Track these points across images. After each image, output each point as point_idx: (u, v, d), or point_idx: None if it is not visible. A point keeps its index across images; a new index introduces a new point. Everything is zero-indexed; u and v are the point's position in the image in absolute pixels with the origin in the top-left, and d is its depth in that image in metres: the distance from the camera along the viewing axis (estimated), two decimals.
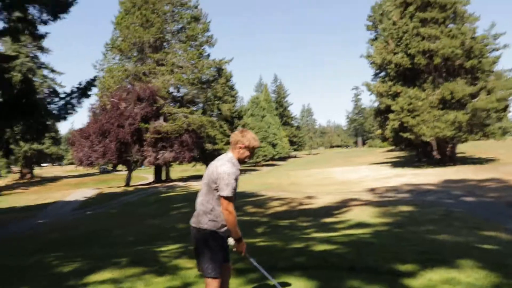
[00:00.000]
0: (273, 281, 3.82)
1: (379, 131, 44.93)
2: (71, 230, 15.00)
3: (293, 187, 25.53)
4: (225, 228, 3.49)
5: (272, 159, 78.52)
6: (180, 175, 57.98)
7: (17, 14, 15.17)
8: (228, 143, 51.37)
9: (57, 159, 72.04)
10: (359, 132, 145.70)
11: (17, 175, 66.84)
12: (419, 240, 7.68)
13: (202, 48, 45.14)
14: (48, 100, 18.10)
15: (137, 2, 41.86)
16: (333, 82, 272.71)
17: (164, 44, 44.75)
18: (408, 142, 38.89)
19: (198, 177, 47.55)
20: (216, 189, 3.42)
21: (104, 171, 73.80)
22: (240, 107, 71.69)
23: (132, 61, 44.29)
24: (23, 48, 56.06)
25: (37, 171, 74.68)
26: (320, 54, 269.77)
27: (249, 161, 3.55)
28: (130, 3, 42.57)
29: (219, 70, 48.87)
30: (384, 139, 46.13)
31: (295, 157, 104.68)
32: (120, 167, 56.09)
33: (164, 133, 38.97)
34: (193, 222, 3.59)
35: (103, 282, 5.23)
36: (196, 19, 44.89)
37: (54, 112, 17.48)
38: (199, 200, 3.59)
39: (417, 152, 47.69)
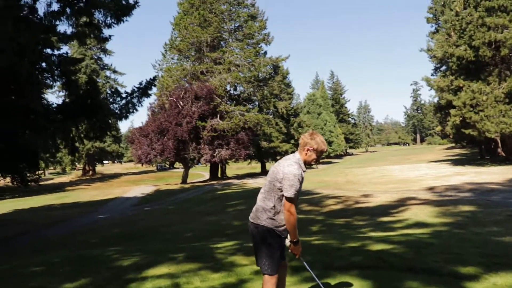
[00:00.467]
0: (321, 285, 3.76)
1: (439, 128, 43.52)
2: (130, 225, 15.53)
3: (349, 185, 25.14)
4: (283, 228, 3.47)
5: (328, 156, 77.80)
6: (236, 172, 58.65)
7: (84, 19, 15.88)
8: (284, 140, 51.47)
9: (117, 157, 74.84)
10: (417, 129, 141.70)
11: (80, 172, 70.03)
12: (482, 242, 7.33)
13: (259, 46, 45.39)
14: (111, 100, 18.78)
15: (195, 3, 42.69)
16: (391, 78, 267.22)
17: (221, 43, 45.40)
18: (470, 139, 37.37)
19: (253, 175, 47.92)
20: (280, 189, 3.40)
21: (161, 169, 75.91)
22: (296, 104, 71.55)
23: (190, 61, 45.26)
24: (88, 51, 58.85)
25: (98, 168, 78.04)
26: (378, 49, 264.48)
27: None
28: (188, 3, 43.51)
29: (276, 68, 48.97)
30: (444, 136, 44.70)
31: (351, 154, 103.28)
32: (176, 164, 57.64)
33: (221, 131, 39.51)
34: (251, 217, 3.59)
35: (160, 276, 5.37)
36: (252, 17, 45.20)
37: (116, 111, 18.11)
38: (261, 196, 3.58)
39: (480, 150, 45.77)
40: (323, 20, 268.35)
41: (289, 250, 3.55)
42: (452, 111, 33.14)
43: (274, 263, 3.46)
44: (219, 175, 47.96)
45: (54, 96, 60.59)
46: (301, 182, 3.42)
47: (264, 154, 52.24)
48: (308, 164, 3.53)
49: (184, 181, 42.44)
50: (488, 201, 14.00)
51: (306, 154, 3.49)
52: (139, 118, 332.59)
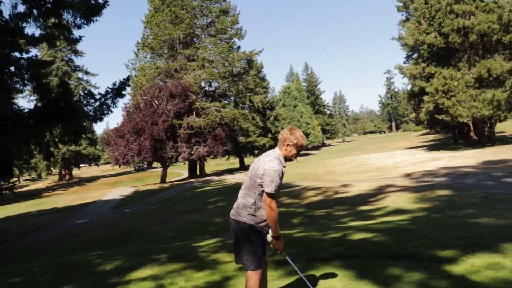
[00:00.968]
0: (304, 279, 3.77)
1: (414, 114, 44.12)
2: (110, 228, 15.38)
3: (328, 176, 25.36)
4: (264, 224, 3.49)
5: (306, 148, 78.02)
6: (215, 169, 58.53)
7: (52, 20, 15.56)
8: (261, 134, 51.47)
9: (93, 159, 73.93)
10: (392, 116, 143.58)
11: (56, 177, 68.89)
12: (459, 225, 7.51)
13: (232, 41, 45.31)
14: (84, 102, 18.47)
15: (166, 0, 42.23)
16: (365, 68, 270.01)
17: (194, 39, 45.14)
18: (444, 124, 38.08)
19: (232, 171, 47.86)
20: (260, 185, 3.41)
21: (139, 169, 75.23)
22: (272, 97, 71.66)
23: (163, 58, 44.88)
24: (59, 52, 57.70)
25: (75, 172, 76.88)
26: (350, 39, 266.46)
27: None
28: (159, 1, 43.08)
29: (250, 62, 48.91)
30: (418, 122, 45.33)
31: (328, 145, 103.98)
32: (155, 164, 57.15)
33: (197, 128, 39.33)
34: (232, 214, 3.60)
35: (144, 279, 5.33)
36: (224, 12, 45.04)
37: (90, 113, 17.84)
38: (241, 193, 3.59)
39: (453, 134, 46.67)
40: (295, 12, 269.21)
41: (271, 245, 3.57)
42: (425, 98, 33.66)
43: (257, 258, 3.47)
44: (198, 173, 47.77)
45: (26, 101, 59.54)
46: (281, 178, 3.43)
47: (242, 149, 52.21)
48: (288, 159, 3.55)
49: (163, 180, 42.16)
50: (463, 185, 14.31)
51: (286, 149, 3.51)
52: (114, 119, 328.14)
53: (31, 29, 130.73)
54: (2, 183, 19.64)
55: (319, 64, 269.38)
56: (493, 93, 30.16)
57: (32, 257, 10.96)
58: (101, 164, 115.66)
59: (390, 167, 25.39)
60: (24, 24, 15.15)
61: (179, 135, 39.45)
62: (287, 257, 3.68)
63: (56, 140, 18.92)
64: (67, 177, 65.35)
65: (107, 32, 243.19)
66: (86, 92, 21.93)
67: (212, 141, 39.99)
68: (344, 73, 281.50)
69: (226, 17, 44.90)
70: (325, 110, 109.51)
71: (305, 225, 10.34)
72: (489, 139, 35.02)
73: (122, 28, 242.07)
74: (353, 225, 8.51)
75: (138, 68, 45.17)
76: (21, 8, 15.34)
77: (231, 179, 33.66)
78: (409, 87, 45.02)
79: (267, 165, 3.39)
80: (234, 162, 61.69)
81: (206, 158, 45.07)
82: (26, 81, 16.91)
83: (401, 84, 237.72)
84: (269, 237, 3.55)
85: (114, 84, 17.92)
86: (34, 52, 55.79)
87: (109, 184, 50.05)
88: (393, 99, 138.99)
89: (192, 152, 39.98)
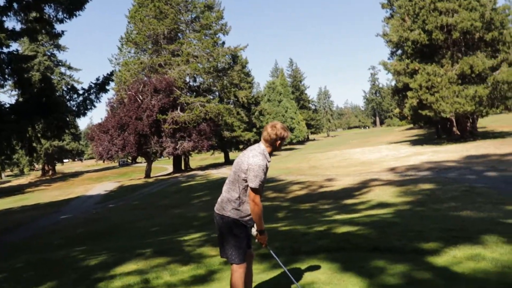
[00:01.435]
0: (287, 272, 3.80)
1: (397, 110, 44.45)
2: (95, 223, 15.27)
3: (312, 170, 25.47)
4: (248, 218, 3.51)
5: (290, 143, 78.42)
6: (199, 164, 58.39)
7: (33, 14, 15.32)
8: (245, 129, 51.47)
9: (77, 155, 73.18)
10: (377, 111, 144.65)
11: (39, 172, 68.04)
12: (441, 218, 7.62)
13: (217, 36, 45.06)
14: (67, 97, 18.24)
15: None
16: (349, 64, 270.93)
17: (179, 34, 44.79)
18: (427, 120, 38.45)
19: (217, 165, 47.79)
20: (245, 179, 3.42)
21: (123, 164, 74.70)
22: (257, 93, 71.75)
23: (148, 54, 44.49)
24: (41, 47, 56.84)
25: (58, 167, 76.07)
26: (336, 36, 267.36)
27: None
28: None
29: (234, 57, 48.70)
30: (402, 117, 45.65)
31: (313, 140, 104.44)
32: (139, 159, 56.93)
33: (182, 123, 39.11)
34: (217, 208, 3.60)
35: (129, 273, 5.30)
36: (209, 7, 44.79)
37: (73, 108, 17.65)
38: (226, 187, 3.60)
39: (436, 129, 47.17)
40: (280, 8, 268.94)
41: (256, 240, 3.59)
42: (409, 93, 34.00)
43: (241, 252, 3.49)
44: (183, 167, 47.58)
45: (7, 96, 58.52)
46: (265, 173, 3.45)
47: (227, 144, 52.18)
48: (276, 149, 3.58)
49: (147, 175, 41.92)
50: (446, 179, 14.52)
51: (271, 144, 3.53)
52: (98, 114, 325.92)
53: (11, 23, 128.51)
54: None
55: (304, 60, 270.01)
56: (475, 89, 30.62)
57: (14, 253, 10.82)
58: (85, 159, 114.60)
59: (374, 161, 25.60)
60: (4, 18, 14.91)
61: (164, 130, 39.21)
62: (271, 251, 3.70)
63: (39, 135, 18.66)
64: (50, 172, 64.57)
65: (90, 26, 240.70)
66: (69, 87, 21.59)
67: (196, 136, 39.84)
68: (329, 69, 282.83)
69: (210, 12, 44.64)
70: (310, 105, 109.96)
71: (289, 219, 10.39)
72: (471, 134, 35.52)
73: (105, 23, 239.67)
74: (337, 219, 8.57)
75: (122, 63, 44.76)
76: (0, 1, 15.07)
77: (215, 173, 33.62)
78: (393, 83, 45.25)
79: (251, 160, 3.40)
80: (219, 156, 61.64)
81: (191, 153, 44.89)
82: (6, 76, 16.64)
83: (386, 80, 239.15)
84: (253, 231, 3.56)
85: (97, 79, 17.74)
86: (15, 46, 55.12)
87: (93, 179, 49.57)
88: (377, 95, 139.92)
89: (177, 147, 39.78)
